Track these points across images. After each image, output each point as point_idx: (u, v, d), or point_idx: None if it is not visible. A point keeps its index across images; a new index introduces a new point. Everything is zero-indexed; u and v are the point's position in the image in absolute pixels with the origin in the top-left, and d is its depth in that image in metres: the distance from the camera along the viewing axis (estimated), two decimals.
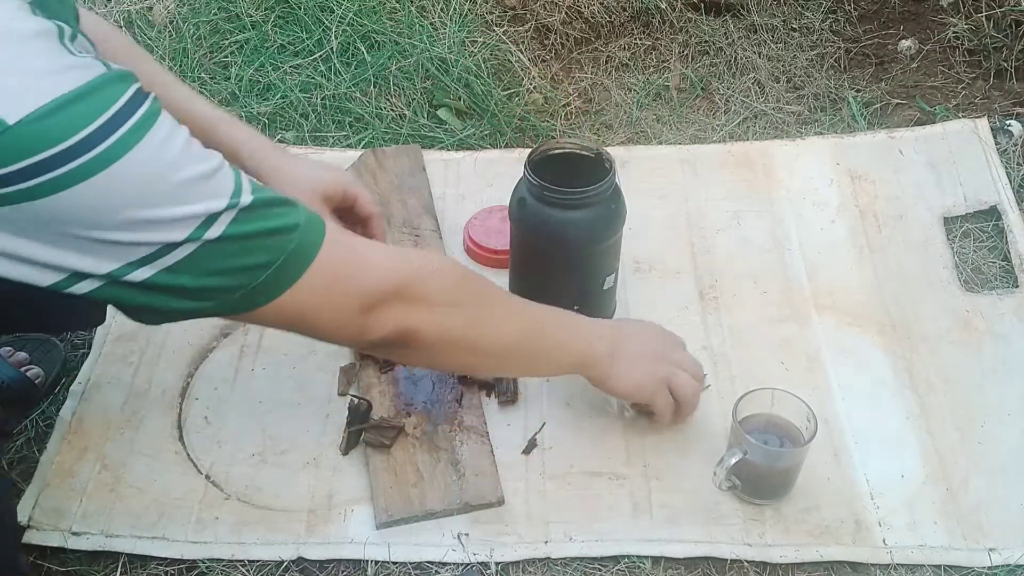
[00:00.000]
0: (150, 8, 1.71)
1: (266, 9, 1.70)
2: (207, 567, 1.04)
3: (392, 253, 0.94)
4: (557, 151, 1.16)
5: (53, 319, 1.12)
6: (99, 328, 1.27)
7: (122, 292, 0.76)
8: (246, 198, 0.77)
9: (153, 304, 0.77)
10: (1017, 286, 1.32)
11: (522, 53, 1.67)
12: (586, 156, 1.16)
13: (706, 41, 1.74)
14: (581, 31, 1.74)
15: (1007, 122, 1.53)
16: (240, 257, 0.78)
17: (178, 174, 0.74)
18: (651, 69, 1.71)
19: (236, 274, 0.78)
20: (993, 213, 1.41)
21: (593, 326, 1.07)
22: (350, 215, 1.15)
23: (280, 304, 0.81)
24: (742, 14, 1.77)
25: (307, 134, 1.56)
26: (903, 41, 1.72)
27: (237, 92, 1.61)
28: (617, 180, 1.14)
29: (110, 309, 1.15)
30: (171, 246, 0.74)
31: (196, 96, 1.13)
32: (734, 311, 1.30)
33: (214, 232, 0.75)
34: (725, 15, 1.78)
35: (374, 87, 1.61)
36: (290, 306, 0.82)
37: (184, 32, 1.66)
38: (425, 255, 0.98)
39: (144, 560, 1.05)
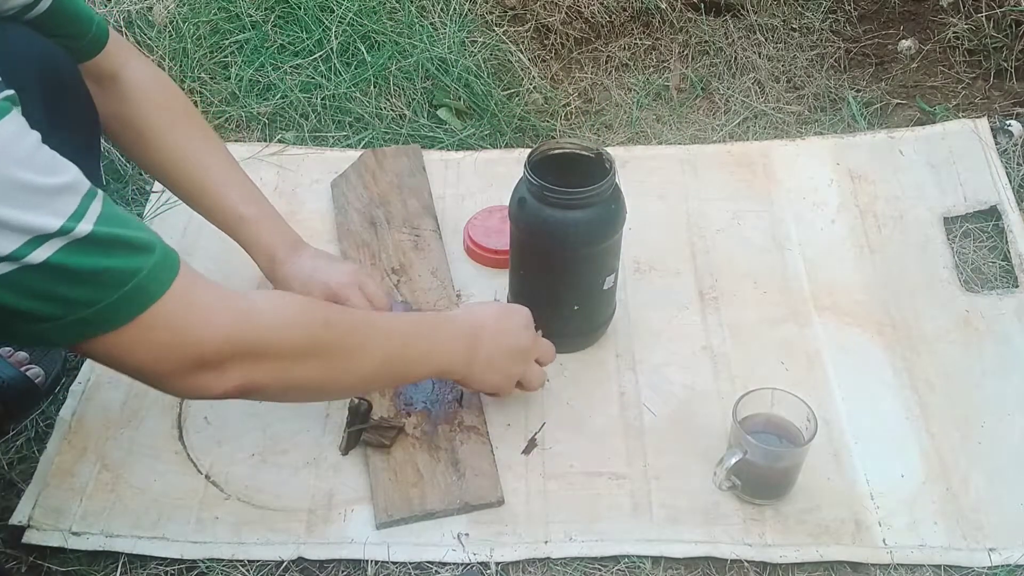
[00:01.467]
0: (150, 8, 1.71)
1: (266, 9, 1.70)
2: (207, 567, 1.04)
3: (240, 308, 0.85)
4: (557, 151, 1.16)
5: None
6: None
7: None
8: (84, 227, 0.72)
9: None
10: (1017, 286, 1.32)
11: (522, 53, 1.67)
12: (586, 156, 1.16)
13: (706, 41, 1.74)
14: (581, 31, 1.74)
15: (1007, 122, 1.53)
16: (61, 287, 0.72)
17: (18, 174, 0.69)
18: (651, 69, 1.71)
19: (54, 303, 0.73)
20: (993, 213, 1.41)
21: (451, 331, 1.07)
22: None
23: (101, 345, 0.76)
24: (742, 14, 1.77)
25: (307, 134, 1.56)
26: (903, 41, 1.72)
27: (237, 92, 1.61)
28: (617, 180, 1.14)
29: None
30: None
31: (231, 179, 1.17)
32: (734, 311, 1.30)
33: (38, 256, 0.70)
34: (725, 15, 1.78)
35: (374, 87, 1.61)
36: (112, 350, 0.77)
37: (184, 32, 1.66)
38: (283, 302, 0.91)
39: (144, 560, 1.05)
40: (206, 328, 0.80)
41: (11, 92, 0.71)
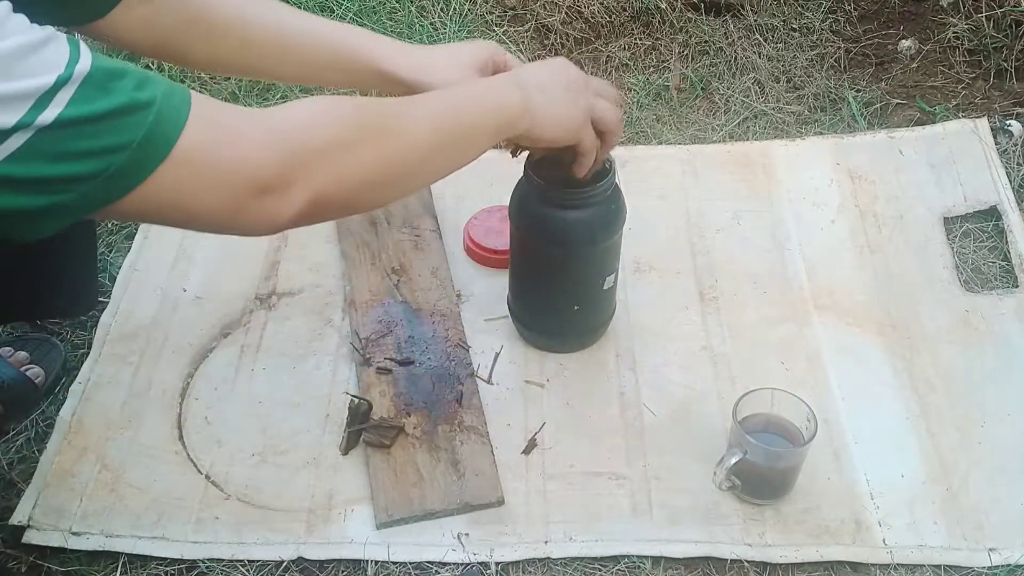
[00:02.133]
0: None
1: None
2: (207, 567, 1.04)
3: (270, 120, 0.80)
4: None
5: (40, 302, 1.10)
6: (99, 328, 1.27)
7: None
8: (83, 67, 0.68)
9: (5, 205, 0.68)
10: (1017, 286, 1.32)
11: (522, 53, 1.67)
12: None
13: (706, 41, 1.74)
14: (581, 31, 1.74)
15: (1007, 122, 1.53)
16: (87, 140, 0.68)
17: None
18: (651, 69, 1.71)
19: (87, 160, 0.69)
20: (993, 213, 1.41)
21: (497, 85, 0.98)
22: None
23: (150, 192, 0.71)
24: (742, 14, 1.77)
25: None
26: (903, 41, 1.72)
27: (237, 92, 1.61)
28: (617, 180, 1.14)
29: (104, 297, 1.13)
30: (2, 134, 0.65)
31: (311, 15, 1.08)
32: (734, 311, 1.30)
33: (49, 115, 0.66)
34: (725, 15, 1.78)
35: (375, 88, 1.60)
36: (161, 194, 0.72)
37: None
38: (311, 104, 0.84)
39: (144, 560, 1.05)
40: (244, 145, 0.76)
41: None
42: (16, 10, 0.68)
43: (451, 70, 1.05)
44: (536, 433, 1.16)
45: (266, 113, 0.80)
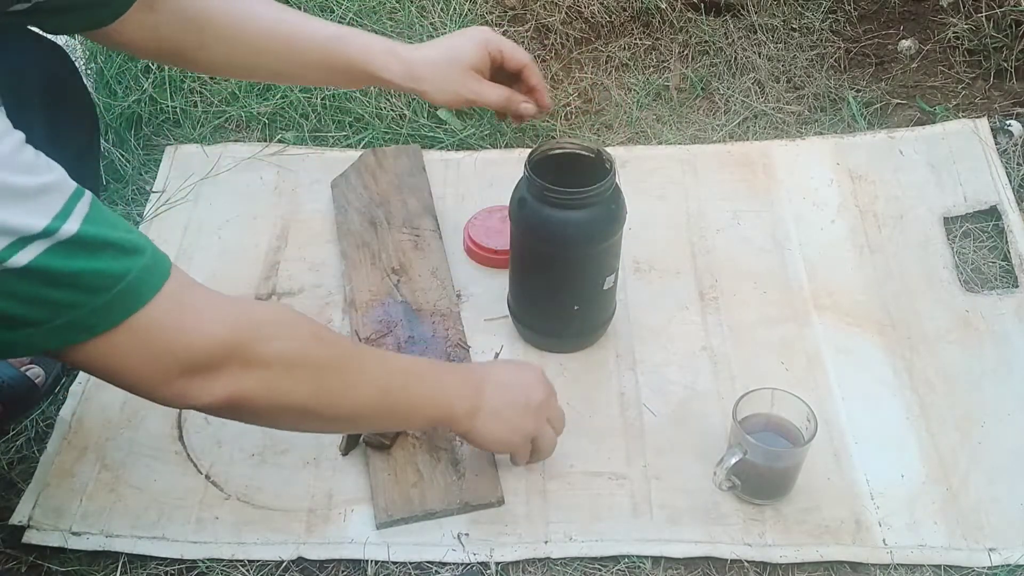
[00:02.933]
0: None
1: None
2: (207, 567, 1.04)
3: (234, 311, 0.83)
4: (557, 151, 1.16)
5: None
6: None
7: None
8: (69, 227, 0.70)
9: None
10: (1017, 286, 1.32)
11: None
12: (586, 156, 1.16)
13: (706, 41, 1.74)
14: (581, 31, 1.74)
15: (1007, 122, 1.53)
16: (48, 290, 0.70)
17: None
18: (651, 69, 1.71)
19: (41, 307, 0.71)
20: (993, 213, 1.41)
21: (456, 376, 1.03)
22: (501, 73, 1.12)
23: (88, 351, 0.74)
24: (742, 14, 1.77)
25: (307, 134, 1.56)
26: (903, 41, 1.72)
27: (237, 92, 1.60)
28: (617, 180, 1.14)
29: None
30: None
31: (310, 17, 1.09)
32: (734, 311, 1.30)
33: (21, 259, 0.68)
34: (725, 15, 1.78)
35: (374, 87, 1.61)
36: (99, 357, 0.75)
37: None
38: (275, 311, 0.89)
39: (144, 560, 1.05)
40: (196, 332, 0.78)
41: None
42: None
43: (447, 77, 1.07)
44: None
45: (233, 307, 0.83)
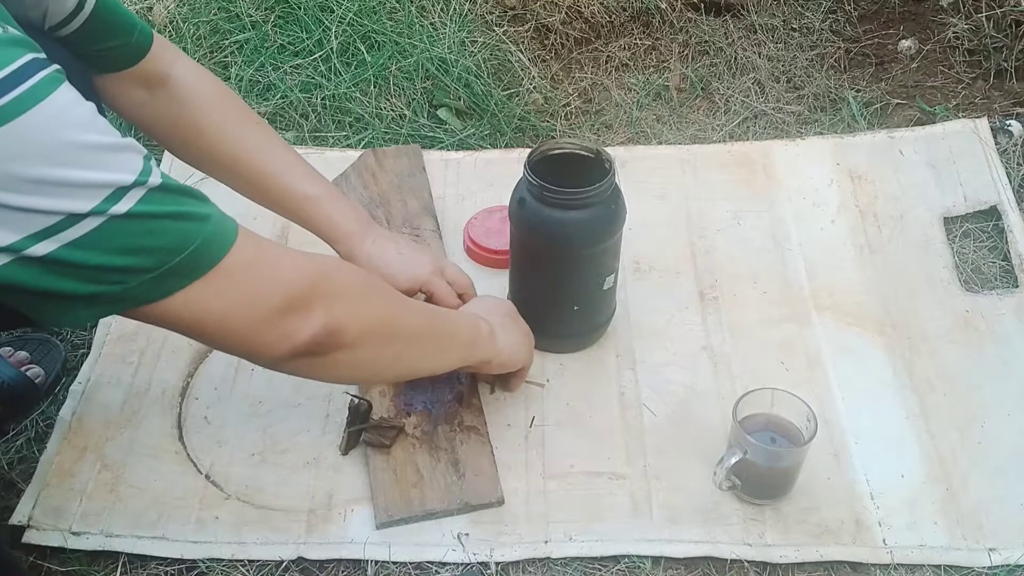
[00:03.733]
0: (150, 8, 1.71)
1: (266, 9, 1.70)
2: (207, 567, 1.04)
3: (302, 254, 0.89)
4: (557, 151, 1.16)
5: None
6: (99, 328, 1.27)
7: (25, 272, 0.71)
8: (155, 179, 0.74)
9: (56, 287, 0.72)
10: (1017, 286, 1.32)
11: (522, 53, 1.67)
12: (586, 156, 1.16)
13: (706, 41, 1.74)
14: (581, 31, 1.74)
15: (1007, 122, 1.53)
16: (149, 237, 0.74)
17: (84, 136, 0.71)
18: (651, 69, 1.71)
19: (144, 255, 0.74)
20: (993, 213, 1.41)
21: (465, 312, 1.13)
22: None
23: (190, 297, 0.77)
24: (742, 14, 1.77)
25: (307, 134, 1.56)
26: (903, 41, 1.72)
27: (237, 92, 1.60)
28: (617, 180, 1.14)
29: None
30: (75, 217, 0.70)
31: (293, 164, 1.15)
32: (734, 311, 1.30)
33: (122, 207, 0.72)
34: (725, 15, 1.78)
35: (374, 87, 1.61)
36: (201, 301, 0.78)
37: (184, 32, 1.66)
38: (320, 255, 0.95)
39: (144, 560, 1.06)
40: (281, 268, 0.83)
41: (58, 66, 0.72)
42: (35, 50, 0.71)
43: (394, 275, 1.15)
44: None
45: (295, 251, 0.88)
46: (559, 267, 1.16)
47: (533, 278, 1.21)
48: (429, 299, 1.17)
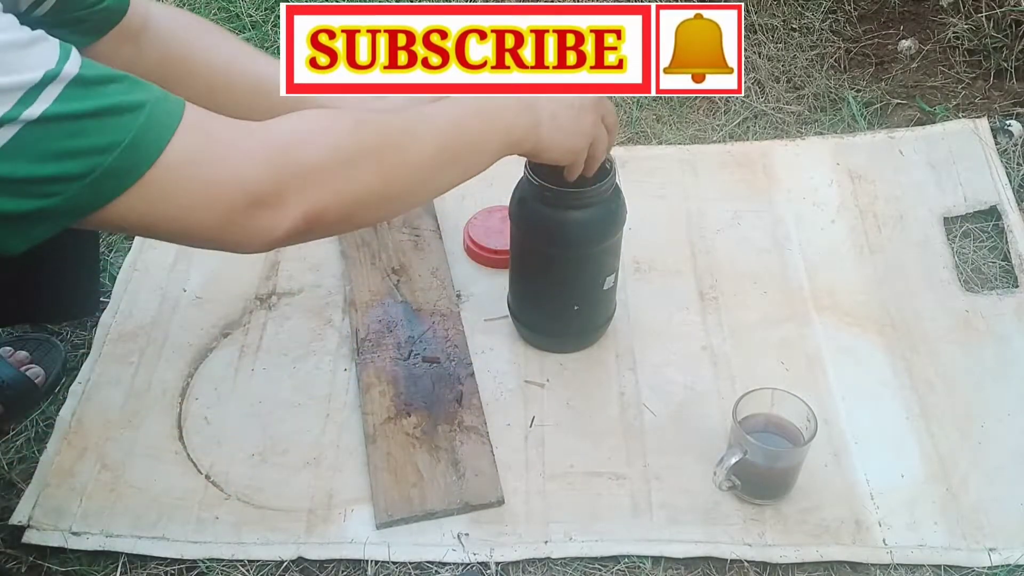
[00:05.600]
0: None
1: (266, 9, 1.70)
2: (207, 567, 1.04)
3: (264, 133, 0.77)
4: None
5: (41, 306, 1.10)
6: (99, 328, 1.27)
7: None
8: (71, 68, 0.67)
9: None
10: (1017, 286, 1.32)
11: None
12: None
13: None
14: None
15: (1007, 122, 1.53)
16: (73, 139, 0.67)
17: None
18: None
19: (73, 159, 0.67)
20: (993, 213, 1.41)
21: (504, 100, 0.95)
22: None
23: (132, 202, 0.70)
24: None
25: None
26: (903, 41, 1.72)
27: None
28: (617, 180, 1.14)
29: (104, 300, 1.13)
30: None
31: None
32: (734, 311, 1.30)
33: (35, 110, 0.65)
34: None
35: None
36: (145, 204, 0.71)
37: None
38: (301, 118, 0.81)
39: (144, 560, 1.05)
40: (237, 157, 0.74)
41: None
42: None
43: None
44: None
45: (263, 126, 0.77)
46: (559, 267, 1.16)
47: (533, 278, 1.22)
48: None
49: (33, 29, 0.69)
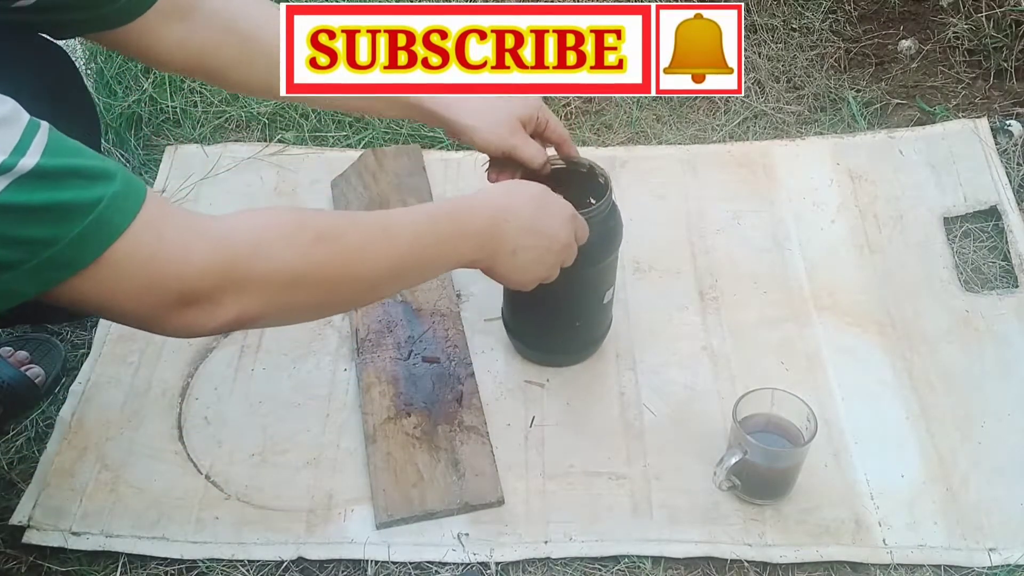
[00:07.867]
0: None
1: None
2: (207, 567, 1.05)
3: (221, 233, 0.78)
4: (548, 167, 1.13)
5: (41, 306, 1.10)
6: (99, 328, 1.27)
7: None
8: (29, 161, 0.66)
9: None
10: (1017, 286, 1.32)
11: None
12: (578, 171, 1.13)
13: None
14: None
15: (1007, 122, 1.53)
16: (16, 228, 0.67)
17: None
18: None
19: (12, 247, 0.68)
20: (993, 213, 1.41)
21: (470, 225, 0.94)
22: (539, 140, 1.09)
23: (74, 290, 0.71)
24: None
25: (307, 134, 1.56)
26: (903, 41, 1.72)
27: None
28: (613, 198, 1.11)
29: None
30: None
31: None
32: (734, 311, 1.30)
33: None
34: None
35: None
36: (87, 294, 0.72)
37: None
38: (267, 220, 0.81)
39: (144, 560, 1.06)
40: (183, 261, 0.74)
41: None
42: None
43: (496, 119, 1.04)
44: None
45: (219, 227, 0.78)
46: (560, 288, 1.10)
47: (533, 300, 1.17)
48: (546, 128, 1.09)
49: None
